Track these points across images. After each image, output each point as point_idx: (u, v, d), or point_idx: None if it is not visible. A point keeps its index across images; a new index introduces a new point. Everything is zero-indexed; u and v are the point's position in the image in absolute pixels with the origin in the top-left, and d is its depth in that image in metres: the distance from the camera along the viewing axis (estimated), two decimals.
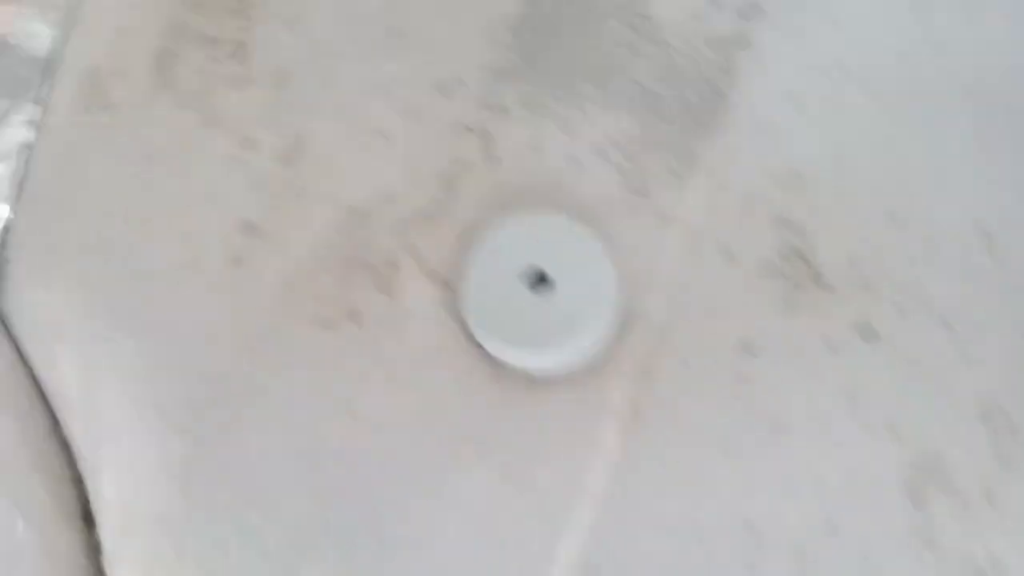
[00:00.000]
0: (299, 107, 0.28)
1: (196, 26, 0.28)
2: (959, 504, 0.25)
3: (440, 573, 0.26)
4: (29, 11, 0.33)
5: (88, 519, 0.28)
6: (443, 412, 0.26)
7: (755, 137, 0.28)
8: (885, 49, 0.29)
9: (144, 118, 0.28)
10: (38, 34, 0.33)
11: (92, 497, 0.28)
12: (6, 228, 0.29)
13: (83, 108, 0.29)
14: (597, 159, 0.27)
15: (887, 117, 0.28)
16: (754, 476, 0.26)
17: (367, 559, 0.25)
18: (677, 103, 0.28)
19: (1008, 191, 0.28)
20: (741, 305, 0.27)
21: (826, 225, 0.27)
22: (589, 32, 0.28)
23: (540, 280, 0.26)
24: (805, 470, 0.26)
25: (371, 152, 0.27)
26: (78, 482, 0.29)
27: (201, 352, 0.27)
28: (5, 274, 0.29)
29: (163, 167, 0.28)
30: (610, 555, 0.25)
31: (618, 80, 0.28)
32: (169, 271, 0.27)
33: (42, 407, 0.29)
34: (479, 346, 0.26)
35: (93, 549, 0.28)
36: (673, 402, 0.26)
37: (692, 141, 0.27)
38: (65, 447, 0.29)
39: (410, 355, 0.26)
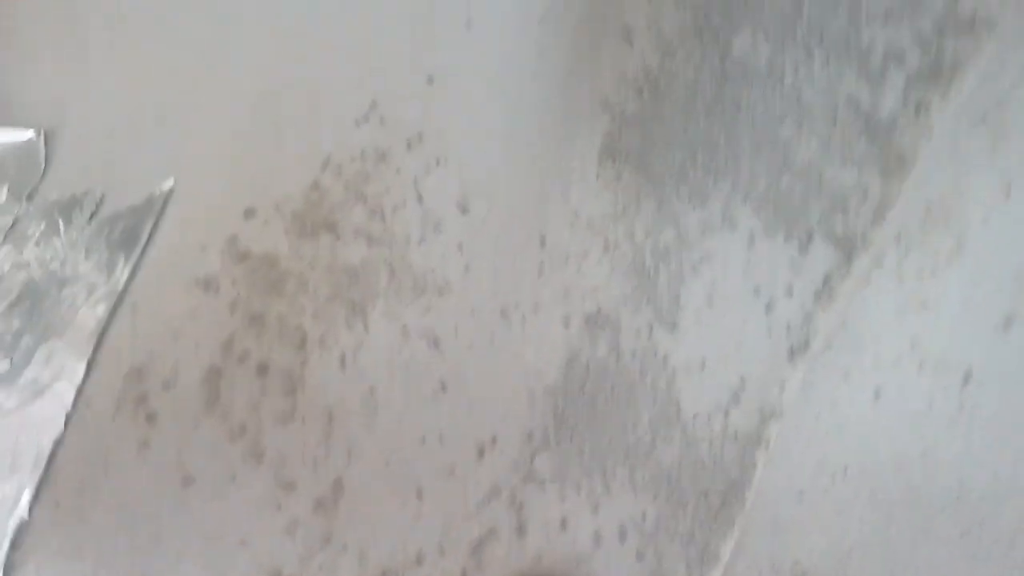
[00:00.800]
0: (341, 451, 0.29)
1: (251, 351, 0.30)
2: None
3: None
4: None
5: None
6: None
7: (766, 535, 0.30)
8: (884, 456, 0.31)
9: (186, 439, 0.29)
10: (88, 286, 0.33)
11: None
12: (20, 527, 0.28)
13: (122, 411, 0.29)
14: (619, 541, 0.29)
15: (884, 522, 0.31)
16: None
17: None
18: (697, 494, 0.29)
19: None
20: None
21: None
22: (622, 412, 0.30)
23: None
24: None
25: (406, 509, 0.28)
26: None
27: None
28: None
29: (200, 496, 0.28)
30: None
31: (644, 463, 0.29)
32: None
33: None
34: None
35: None
36: None
37: (708, 534, 0.29)
38: None
39: None
